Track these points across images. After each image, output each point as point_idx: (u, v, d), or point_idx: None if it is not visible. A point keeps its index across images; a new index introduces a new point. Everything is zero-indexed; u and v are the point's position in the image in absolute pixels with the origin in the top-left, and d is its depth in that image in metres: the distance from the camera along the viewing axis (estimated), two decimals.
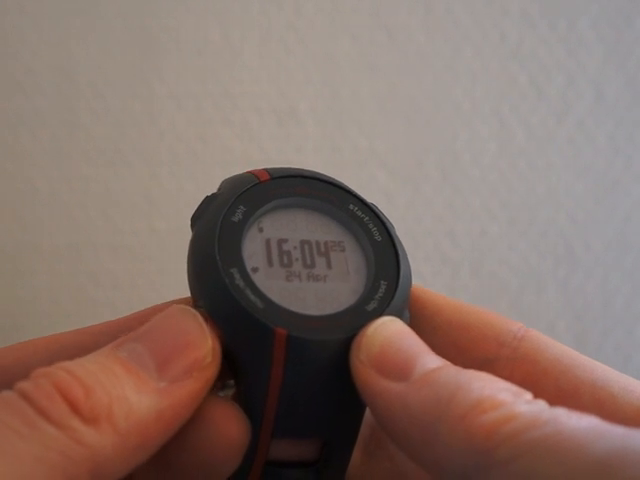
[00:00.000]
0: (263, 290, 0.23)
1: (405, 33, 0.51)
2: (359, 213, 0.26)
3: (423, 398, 0.21)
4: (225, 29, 0.50)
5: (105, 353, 0.22)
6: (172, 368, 0.22)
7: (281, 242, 0.25)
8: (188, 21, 0.50)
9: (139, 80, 0.50)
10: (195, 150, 0.51)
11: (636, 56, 0.53)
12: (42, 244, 0.50)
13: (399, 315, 0.24)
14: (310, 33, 0.51)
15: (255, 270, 0.24)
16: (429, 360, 0.22)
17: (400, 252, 0.26)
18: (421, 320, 0.26)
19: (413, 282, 0.26)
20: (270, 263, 0.24)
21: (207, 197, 0.25)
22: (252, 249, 0.24)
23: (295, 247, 0.25)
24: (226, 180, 0.26)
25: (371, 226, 0.26)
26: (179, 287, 0.26)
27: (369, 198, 0.27)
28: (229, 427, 0.23)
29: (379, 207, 0.27)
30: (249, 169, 0.26)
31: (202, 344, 0.22)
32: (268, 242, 0.25)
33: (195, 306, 0.24)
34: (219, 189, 0.26)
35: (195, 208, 0.25)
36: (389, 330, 0.23)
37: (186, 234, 0.25)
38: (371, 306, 0.24)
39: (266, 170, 0.26)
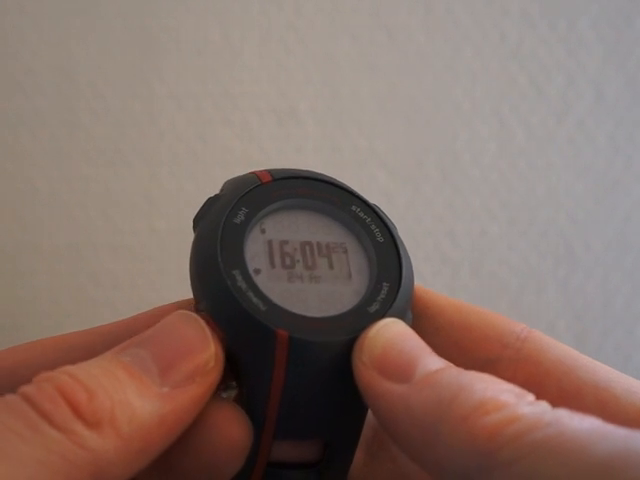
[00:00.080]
0: (265, 292, 0.23)
1: (405, 33, 0.51)
2: (361, 214, 0.26)
3: (425, 399, 0.21)
4: (225, 29, 0.50)
5: (108, 357, 0.22)
6: (175, 373, 0.22)
7: (283, 244, 0.25)
8: (188, 21, 0.50)
9: (139, 80, 0.50)
10: (195, 150, 0.51)
11: (636, 56, 0.53)
12: (42, 244, 0.50)
13: (401, 316, 0.24)
14: (310, 33, 0.51)
15: (257, 272, 0.24)
16: (431, 361, 0.22)
17: (402, 253, 0.26)
18: (423, 321, 0.26)
19: (414, 282, 0.26)
20: (272, 265, 0.24)
21: (209, 198, 0.25)
22: (254, 251, 0.24)
23: (297, 249, 0.25)
24: (228, 181, 0.26)
25: (373, 227, 0.26)
26: (179, 287, 0.26)
27: (369, 198, 0.27)
28: (231, 429, 0.23)
29: (379, 207, 0.27)
30: (251, 170, 0.26)
31: (205, 349, 0.23)
32: (270, 244, 0.25)
33: (197, 307, 0.24)
34: (221, 190, 0.26)
35: (197, 209, 0.25)
36: (391, 332, 0.23)
37: (186, 234, 0.25)
38: (373, 308, 0.24)
39: (268, 171, 0.26)
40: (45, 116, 0.49)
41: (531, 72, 0.53)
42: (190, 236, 0.25)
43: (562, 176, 0.53)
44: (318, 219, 0.26)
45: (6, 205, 0.49)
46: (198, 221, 0.25)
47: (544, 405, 0.20)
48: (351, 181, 0.28)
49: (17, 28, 0.49)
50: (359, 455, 0.27)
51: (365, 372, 0.22)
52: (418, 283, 0.26)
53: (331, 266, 0.25)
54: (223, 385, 0.24)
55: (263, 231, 0.25)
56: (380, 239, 0.26)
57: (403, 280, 0.25)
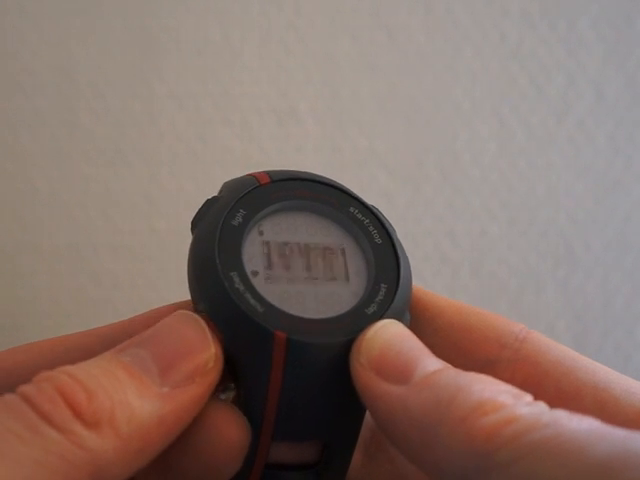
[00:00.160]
0: (263, 294, 0.23)
1: (405, 33, 0.51)
2: (359, 216, 0.26)
3: (423, 401, 0.21)
4: (225, 29, 0.50)
5: (108, 357, 0.22)
6: (175, 373, 0.22)
7: (281, 245, 0.25)
8: (188, 21, 0.50)
9: (139, 80, 0.50)
10: (195, 150, 0.51)
11: (636, 56, 0.53)
12: (42, 244, 0.50)
13: (399, 318, 0.24)
14: (310, 33, 0.51)
15: (255, 274, 0.24)
16: (429, 363, 0.22)
17: (400, 255, 0.26)
18: (422, 322, 0.26)
19: (413, 283, 0.26)
20: (270, 266, 0.24)
21: (208, 200, 0.25)
22: (252, 252, 0.24)
23: (295, 250, 0.25)
24: (227, 183, 0.26)
25: (371, 229, 0.26)
26: (179, 287, 0.26)
27: (369, 198, 0.27)
28: (229, 430, 0.23)
29: (379, 207, 0.27)
30: (250, 171, 0.26)
31: (204, 350, 0.23)
32: (268, 245, 0.25)
33: (195, 309, 0.24)
34: (220, 192, 0.26)
35: (195, 210, 0.25)
36: (389, 333, 0.23)
37: (186, 234, 0.25)
38: (371, 309, 0.24)
39: (267, 173, 0.26)
40: (45, 116, 0.49)
41: (531, 72, 0.53)
42: (190, 236, 0.25)
43: (562, 176, 0.53)
44: (316, 221, 0.26)
45: (6, 205, 0.49)
46: (196, 223, 0.25)
47: (542, 406, 0.20)
48: (351, 181, 0.28)
49: (17, 28, 0.49)
50: (357, 456, 0.27)
51: (363, 373, 0.22)
52: (417, 284, 0.26)
53: (329, 268, 0.25)
54: (221, 387, 0.24)
55: (261, 233, 0.25)
56: (378, 240, 0.26)
57: (401, 281, 0.25)
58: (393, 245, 0.26)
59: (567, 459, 0.18)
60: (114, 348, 0.23)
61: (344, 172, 0.51)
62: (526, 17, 0.52)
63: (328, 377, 0.23)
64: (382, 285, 0.25)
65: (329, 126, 0.51)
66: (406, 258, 0.26)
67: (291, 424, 0.24)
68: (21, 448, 0.19)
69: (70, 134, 0.49)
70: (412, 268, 0.26)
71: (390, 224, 0.26)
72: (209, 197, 0.25)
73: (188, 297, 0.25)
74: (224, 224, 0.24)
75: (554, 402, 0.21)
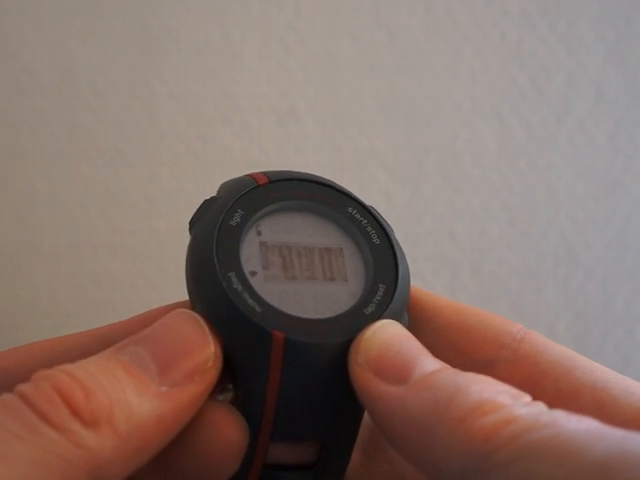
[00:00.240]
0: (261, 294, 0.23)
1: (405, 33, 0.51)
2: (357, 216, 0.26)
3: (422, 401, 0.21)
4: (225, 29, 0.50)
5: (107, 356, 0.22)
6: (174, 372, 0.22)
7: (279, 245, 0.25)
8: (188, 21, 0.50)
9: (139, 80, 0.50)
10: (195, 150, 0.51)
11: (636, 56, 0.53)
12: (42, 244, 0.50)
13: (397, 318, 0.24)
14: (310, 33, 0.51)
15: (253, 274, 0.24)
16: (427, 363, 0.22)
17: (399, 255, 0.26)
18: (421, 322, 0.26)
19: (413, 283, 0.26)
20: (268, 266, 0.24)
21: (206, 200, 0.25)
22: (250, 253, 0.24)
23: (293, 250, 0.25)
24: (225, 183, 0.26)
25: (369, 229, 0.26)
26: (179, 287, 0.26)
27: (369, 198, 0.27)
28: (228, 431, 0.23)
29: (379, 207, 0.27)
30: (250, 171, 0.26)
31: (204, 348, 0.23)
32: (266, 245, 0.25)
33: (193, 310, 0.24)
34: (218, 192, 0.26)
35: (194, 210, 0.25)
36: (387, 333, 0.23)
37: (186, 234, 0.25)
38: (369, 309, 0.24)
39: (265, 173, 0.26)
40: (45, 116, 0.49)
41: (531, 72, 0.52)
42: (189, 238, 0.25)
43: (562, 176, 0.53)
44: (314, 221, 0.26)
45: (6, 205, 0.49)
46: (194, 223, 0.25)
47: (540, 406, 0.20)
48: (351, 181, 0.28)
49: (17, 28, 0.49)
50: (355, 457, 0.27)
51: (361, 374, 0.22)
52: (417, 284, 0.26)
53: (327, 268, 0.25)
54: (219, 388, 0.24)
55: (259, 233, 0.25)
56: (376, 241, 0.26)
57: (399, 282, 0.25)
58: (391, 245, 0.26)
59: (566, 459, 0.18)
60: (113, 346, 0.22)
61: (344, 172, 0.51)
62: (526, 17, 0.52)
63: (326, 377, 0.23)
64: (380, 285, 0.25)
65: (329, 126, 0.51)
66: (404, 258, 0.26)
67: (289, 424, 0.24)
68: (19, 447, 0.19)
69: (70, 134, 0.49)
70: (412, 268, 0.26)
71: (388, 224, 0.26)
72: (207, 197, 0.25)
73: (187, 297, 0.25)
74: (222, 224, 0.24)
75: (552, 402, 0.21)
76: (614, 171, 0.54)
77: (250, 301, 0.23)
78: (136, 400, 0.21)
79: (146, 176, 0.50)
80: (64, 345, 0.25)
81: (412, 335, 0.24)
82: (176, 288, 0.26)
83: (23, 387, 0.21)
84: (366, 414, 0.24)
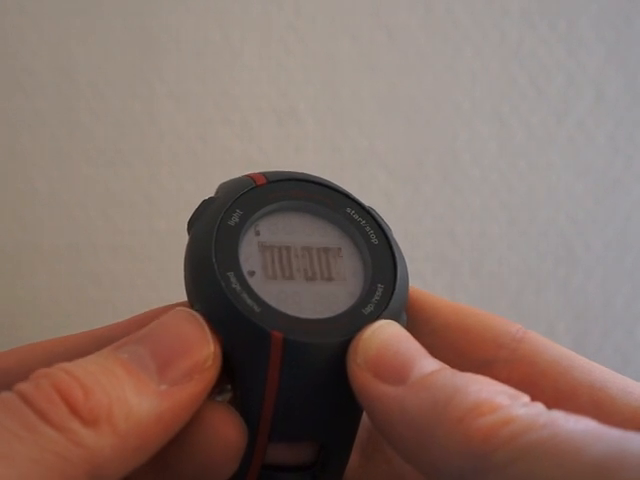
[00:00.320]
0: (259, 294, 0.23)
1: (405, 33, 0.51)
2: (356, 216, 0.26)
3: (420, 401, 0.21)
4: (225, 29, 0.50)
5: (105, 354, 0.22)
6: (173, 371, 0.22)
7: (278, 246, 0.25)
8: (188, 21, 0.50)
9: (139, 80, 0.50)
10: (195, 150, 0.51)
11: (636, 56, 0.53)
12: (42, 244, 0.50)
13: (396, 318, 0.24)
14: (310, 33, 0.51)
15: (252, 274, 0.24)
16: (426, 363, 0.22)
17: (397, 255, 0.26)
18: (419, 322, 0.26)
19: (412, 283, 0.26)
20: (266, 267, 0.24)
21: (204, 201, 0.25)
22: (248, 253, 0.24)
23: (292, 250, 0.25)
24: (223, 184, 0.26)
25: (368, 229, 0.26)
26: (179, 287, 0.26)
27: (369, 198, 0.27)
28: (226, 431, 0.23)
29: (379, 207, 0.27)
30: (250, 171, 0.26)
31: (203, 347, 0.22)
32: (265, 245, 0.25)
33: (192, 310, 0.24)
34: (216, 192, 0.26)
35: (193, 210, 0.25)
36: (386, 333, 0.23)
37: (186, 234, 0.25)
38: (368, 309, 0.24)
39: (263, 174, 0.26)
40: (45, 116, 0.49)
41: (531, 72, 0.52)
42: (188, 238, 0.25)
43: (562, 176, 0.53)
44: (313, 221, 0.26)
45: (6, 205, 0.49)
46: (193, 223, 0.25)
47: (539, 406, 0.20)
48: (351, 181, 0.28)
49: (17, 28, 0.49)
50: (354, 457, 0.27)
51: (360, 374, 0.22)
52: (417, 284, 0.26)
53: (326, 268, 0.25)
54: (217, 389, 0.24)
55: (258, 233, 0.25)
56: (375, 241, 0.26)
57: (398, 282, 0.25)
58: (390, 245, 0.26)
59: (564, 460, 0.18)
60: (112, 345, 0.22)
61: (344, 172, 0.51)
62: (526, 17, 0.52)
63: (325, 377, 0.23)
64: (379, 285, 0.25)
65: (329, 126, 0.51)
66: (403, 258, 0.26)
67: (288, 424, 0.24)
68: (18, 446, 0.19)
69: (70, 134, 0.50)
70: (412, 268, 0.26)
71: (387, 224, 0.26)
72: (205, 198, 0.25)
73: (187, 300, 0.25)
74: (221, 224, 0.24)
75: (551, 402, 0.21)
76: (614, 171, 0.54)
77: (249, 301, 0.23)
78: (135, 399, 0.21)
79: (146, 176, 0.50)
80: (64, 345, 0.25)
81: (411, 335, 0.24)
82: (176, 288, 0.26)
83: (22, 386, 0.21)
84: (365, 414, 0.24)
